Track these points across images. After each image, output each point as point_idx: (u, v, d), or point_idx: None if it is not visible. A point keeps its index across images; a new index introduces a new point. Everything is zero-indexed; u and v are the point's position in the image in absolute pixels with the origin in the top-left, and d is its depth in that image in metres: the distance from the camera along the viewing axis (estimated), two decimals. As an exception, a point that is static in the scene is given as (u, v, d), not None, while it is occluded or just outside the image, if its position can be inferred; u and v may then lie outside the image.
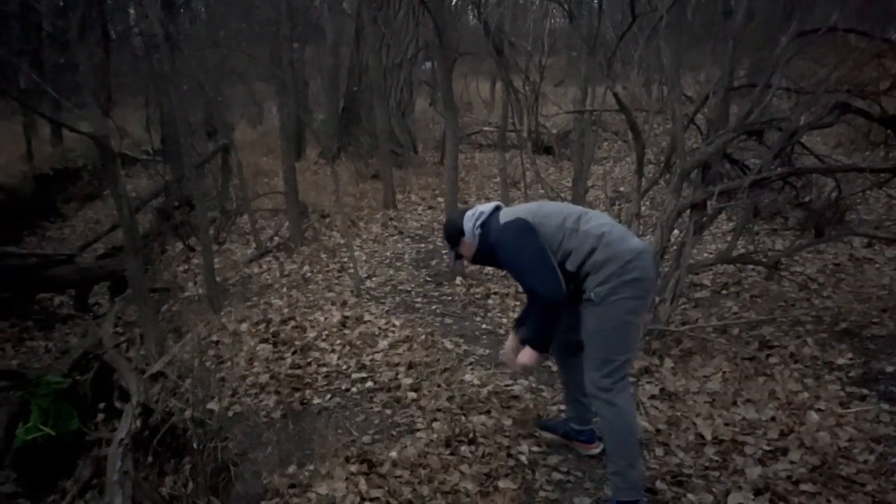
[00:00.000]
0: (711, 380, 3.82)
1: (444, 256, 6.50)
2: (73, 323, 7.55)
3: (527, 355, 2.84)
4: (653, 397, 3.69)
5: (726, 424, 3.36)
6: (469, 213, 3.00)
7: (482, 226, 2.95)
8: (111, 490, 3.51)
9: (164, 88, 8.53)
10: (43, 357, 6.87)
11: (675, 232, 4.62)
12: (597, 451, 3.21)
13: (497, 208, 3.00)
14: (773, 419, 3.38)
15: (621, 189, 8.93)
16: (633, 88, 6.39)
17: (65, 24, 4.43)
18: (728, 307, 4.93)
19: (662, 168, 4.71)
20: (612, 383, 2.73)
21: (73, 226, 11.68)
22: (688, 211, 4.44)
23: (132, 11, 13.67)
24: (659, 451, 3.21)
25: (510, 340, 3.04)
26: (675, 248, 4.51)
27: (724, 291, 5.28)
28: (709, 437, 3.27)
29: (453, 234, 3.02)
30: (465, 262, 3.11)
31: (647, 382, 3.86)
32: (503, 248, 2.83)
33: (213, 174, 9.35)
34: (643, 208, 4.92)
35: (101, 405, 5.08)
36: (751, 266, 5.35)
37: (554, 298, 2.68)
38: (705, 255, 6.03)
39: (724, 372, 3.89)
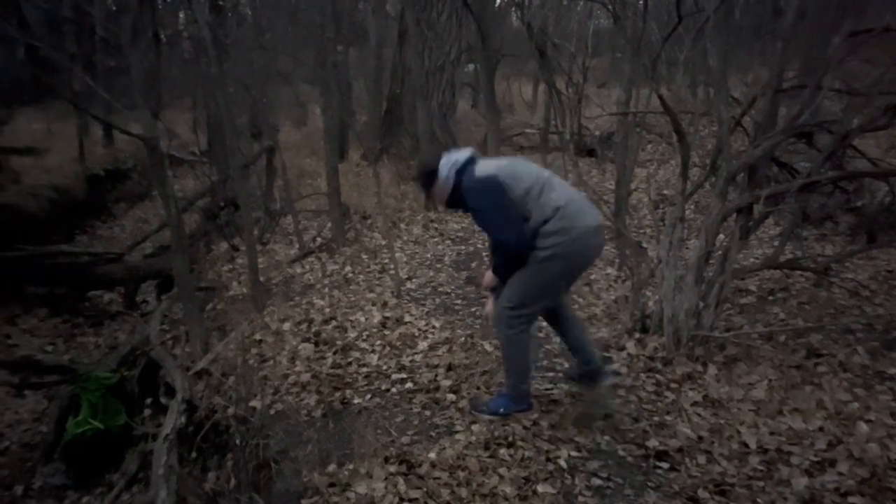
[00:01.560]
0: (756, 387, 3.74)
1: (482, 259, 6.50)
2: (121, 320, 7.74)
3: (489, 278, 3.39)
4: (695, 404, 3.64)
5: (772, 433, 3.29)
6: (445, 158, 3.29)
7: (457, 173, 3.24)
8: (156, 484, 3.59)
9: (211, 91, 8.70)
10: (93, 352, 7.06)
11: (720, 236, 4.54)
12: (612, 380, 3.68)
13: (472, 158, 3.28)
14: (820, 429, 3.29)
15: (665, 192, 8.80)
16: (678, 90, 6.30)
17: (117, 28, 4.54)
18: (774, 314, 4.83)
19: (708, 171, 4.63)
20: (520, 322, 3.26)
21: (123, 225, 11.97)
22: (733, 215, 4.36)
23: (181, 15, 13.96)
24: (701, 459, 3.16)
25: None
26: (719, 252, 4.43)
27: (770, 297, 5.17)
28: (753, 445, 3.20)
29: (428, 176, 3.32)
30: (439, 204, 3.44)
31: (690, 389, 3.80)
32: (476, 199, 3.18)
33: (258, 175, 9.49)
34: (687, 212, 4.85)
35: (148, 401, 5.21)
36: (799, 272, 5.23)
37: (518, 247, 3.14)
38: (751, 260, 5.91)
39: (770, 380, 3.80)
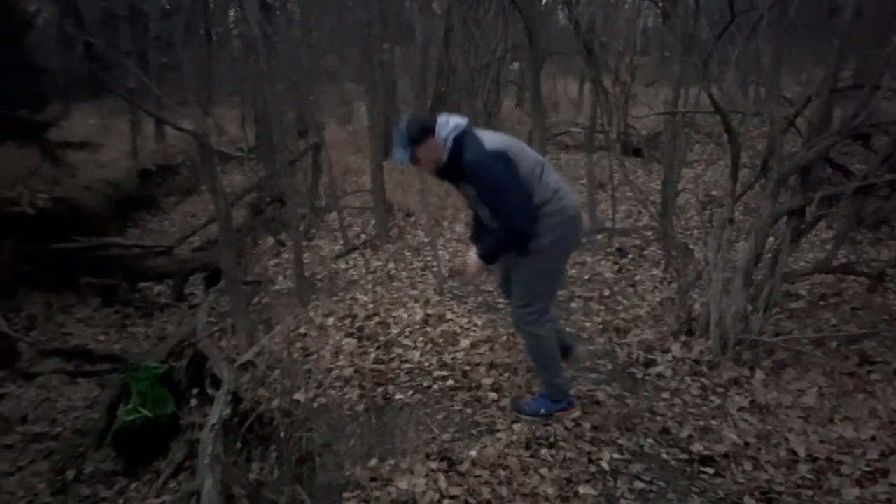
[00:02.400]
0: (806, 394, 3.65)
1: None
2: (170, 311, 7.92)
3: (474, 262, 3.19)
4: (742, 409, 3.57)
5: (821, 442, 3.21)
6: (442, 119, 3.02)
7: (457, 139, 2.97)
8: (202, 473, 3.66)
9: (259, 88, 8.84)
10: (142, 343, 7.24)
11: (770, 239, 4.44)
12: (576, 415, 3.48)
13: (467, 127, 3.02)
14: (873, 438, 3.20)
15: (713, 193, 8.64)
16: (728, 90, 6.18)
17: (170, 26, 4.66)
18: (826, 319, 4.70)
19: (759, 172, 4.53)
20: (537, 318, 3.21)
21: (172, 219, 12.25)
22: (785, 217, 4.26)
23: (232, 14, 14.22)
24: (747, 466, 3.10)
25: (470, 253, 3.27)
26: (769, 255, 4.33)
27: (821, 302, 5.03)
28: (802, 453, 3.13)
29: (420, 131, 2.98)
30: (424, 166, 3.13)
31: (737, 393, 3.73)
32: (488, 172, 2.94)
33: (304, 172, 9.61)
34: (736, 213, 4.76)
35: (194, 391, 5.32)
36: (852, 277, 5.08)
37: (526, 232, 2.99)
38: (802, 263, 5.76)
39: (821, 387, 3.71)
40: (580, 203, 3.22)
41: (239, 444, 4.20)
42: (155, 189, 12.99)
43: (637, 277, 5.87)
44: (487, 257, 3.16)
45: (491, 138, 3.05)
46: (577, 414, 3.45)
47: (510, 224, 3.00)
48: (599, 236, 6.96)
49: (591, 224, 7.37)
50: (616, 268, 6.13)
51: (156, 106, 10.09)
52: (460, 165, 2.97)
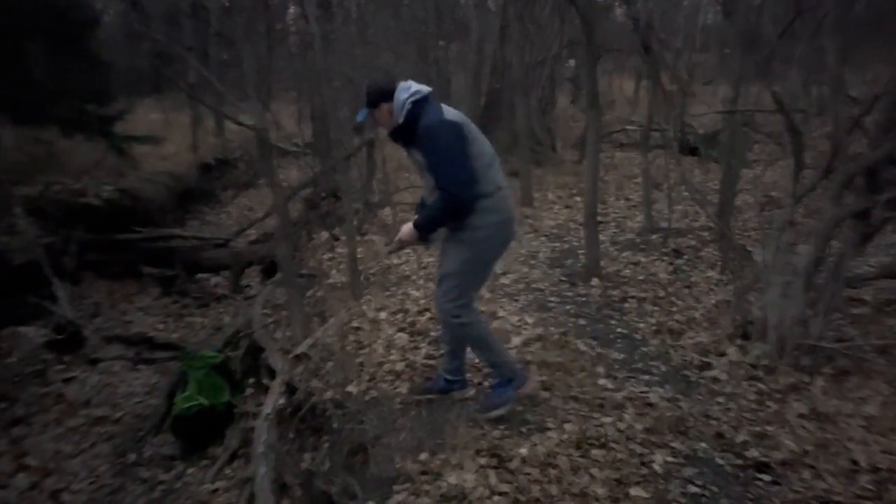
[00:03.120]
0: (868, 403, 3.54)
1: (577, 256, 6.43)
2: (226, 302, 8.12)
3: (407, 231, 3.18)
4: (801, 416, 3.48)
5: (884, 452, 3.11)
6: (402, 84, 3.10)
7: (415, 103, 3.04)
8: (257, 461, 3.76)
9: (316, 84, 8.95)
10: (199, 332, 7.44)
11: (833, 242, 4.31)
12: (470, 394, 3.67)
13: (432, 96, 3.09)
14: (938, 450, 3.09)
15: (772, 194, 8.42)
16: (791, 88, 6.02)
17: (232, 22, 4.78)
18: (890, 326, 4.54)
19: (822, 173, 4.40)
20: (464, 311, 3.28)
21: (229, 212, 12.53)
22: (848, 220, 4.13)
23: (290, 10, 14.44)
24: (805, 474, 3.03)
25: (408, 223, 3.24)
26: (831, 259, 4.21)
27: (887, 309, 4.87)
28: (863, 463, 3.04)
29: (377, 94, 3.10)
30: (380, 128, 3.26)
31: (795, 400, 3.64)
32: (436, 137, 2.98)
33: (359, 167, 9.71)
34: (797, 215, 4.64)
35: (249, 381, 5.45)
36: (919, 283, 4.91)
37: (466, 202, 3.01)
38: (866, 268, 5.58)
39: (884, 395, 3.59)
40: (514, 209, 3.33)
41: (292, 434, 4.29)
42: (213, 182, 13.30)
43: (692, 279, 5.78)
44: (423, 227, 3.16)
45: (451, 112, 3.11)
46: (535, 382, 3.58)
47: (451, 192, 3.00)
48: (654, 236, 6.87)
49: (645, 223, 7.28)
50: (671, 268, 6.04)
51: (216, 101, 10.33)
52: (414, 129, 3.03)
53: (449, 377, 3.70)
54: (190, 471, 5.06)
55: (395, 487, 3.03)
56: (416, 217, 3.22)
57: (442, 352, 3.85)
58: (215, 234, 9.55)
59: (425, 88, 3.11)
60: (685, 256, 6.34)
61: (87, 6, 9.60)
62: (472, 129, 3.11)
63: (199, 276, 8.75)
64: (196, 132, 13.34)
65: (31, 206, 7.65)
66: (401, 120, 3.09)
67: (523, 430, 3.43)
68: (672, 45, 6.84)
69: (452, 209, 3.05)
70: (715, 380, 3.97)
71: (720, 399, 3.74)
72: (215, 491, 4.56)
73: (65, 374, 6.24)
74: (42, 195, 8.06)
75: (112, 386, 6.25)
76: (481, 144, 3.12)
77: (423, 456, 3.21)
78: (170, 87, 16.30)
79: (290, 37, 12.67)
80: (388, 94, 3.09)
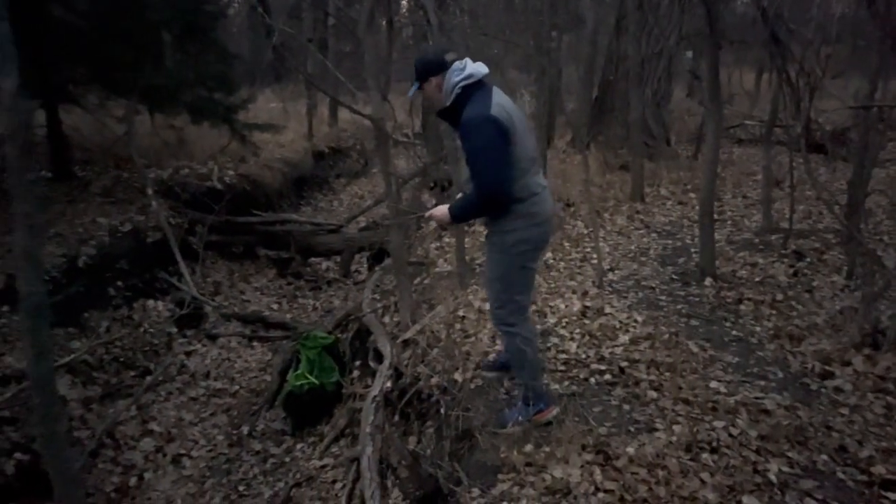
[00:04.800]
0: None
1: (690, 254, 6.23)
2: (337, 286, 8.39)
3: (441, 213, 3.08)
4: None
5: None
6: (458, 63, 2.93)
7: (465, 87, 2.90)
8: (364, 440, 3.88)
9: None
10: (311, 314, 7.74)
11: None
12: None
13: (486, 79, 2.95)
14: None
15: (908, 196, 7.86)
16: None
17: (353, 15, 4.91)
18: None
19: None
20: (515, 319, 3.20)
21: (341, 199, 12.91)
22: None
23: (403, 2, 14.68)
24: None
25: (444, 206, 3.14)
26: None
27: None
28: None
29: (426, 68, 2.97)
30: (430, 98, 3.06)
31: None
32: (478, 132, 2.83)
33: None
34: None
35: (357, 363, 5.62)
36: None
37: (500, 201, 2.92)
38: None
39: None
40: (552, 210, 3.18)
41: (397, 417, 4.40)
42: (327, 170, 13.74)
43: (815, 283, 5.47)
44: (457, 216, 3.08)
45: (502, 104, 2.91)
46: (555, 412, 3.42)
47: (485, 191, 2.88)
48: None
49: (764, 223, 6.96)
50: (791, 271, 5.74)
51: (333, 90, 10.66)
52: (459, 116, 2.91)
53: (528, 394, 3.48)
54: (299, 446, 5.29)
55: (500, 477, 3.05)
56: (452, 204, 3.12)
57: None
58: (328, 220, 9.87)
59: (480, 71, 2.95)
60: (807, 259, 6.01)
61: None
62: (519, 128, 2.95)
63: (312, 259, 9.09)
64: (311, 121, 13.80)
65: (161, 188, 8.17)
66: (448, 103, 2.98)
67: (631, 429, 3.38)
68: (802, 35, 6.46)
69: (486, 206, 2.98)
70: (838, 390, 3.76)
71: (843, 410, 3.54)
72: (323, 467, 4.75)
73: (187, 348, 6.64)
74: (171, 178, 8.58)
75: (229, 361, 6.61)
76: (523, 147, 2.96)
77: (528, 447, 3.21)
78: (288, 77, 16.96)
79: (404, 28, 12.88)
80: (437, 67, 2.95)
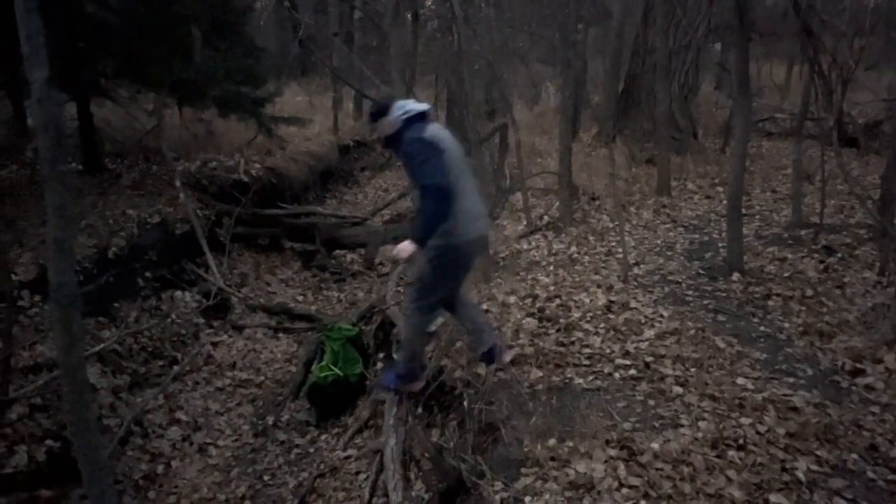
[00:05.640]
0: None
1: (720, 248, 6.16)
2: (361, 279, 8.43)
3: (406, 246, 3.37)
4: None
5: None
6: (399, 103, 3.60)
7: (406, 120, 3.50)
8: (387, 432, 3.90)
9: (455, 68, 9.05)
10: (335, 306, 7.78)
11: None
12: (509, 358, 3.97)
13: (425, 114, 3.56)
14: None
15: (943, 191, 7.68)
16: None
17: (379, 9, 4.92)
18: None
19: None
20: (418, 312, 3.71)
21: (365, 192, 12.96)
22: None
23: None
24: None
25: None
26: None
27: None
28: None
29: (377, 112, 3.64)
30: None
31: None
32: (413, 146, 3.39)
33: (492, 152, 9.75)
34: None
35: (381, 355, 5.64)
36: None
37: (447, 193, 3.28)
38: None
39: None
40: (482, 231, 3.64)
41: (420, 410, 4.41)
42: (352, 163, 13.78)
43: (846, 279, 5.38)
44: (418, 234, 3.36)
45: (435, 133, 3.50)
46: (421, 384, 4.02)
47: (431, 187, 3.27)
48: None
49: (794, 217, 6.85)
50: (821, 267, 5.65)
51: (359, 84, 10.68)
52: (400, 139, 3.49)
53: (483, 349, 3.93)
54: (323, 437, 5.33)
55: (523, 470, 3.04)
56: (414, 229, 3.53)
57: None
58: (353, 213, 9.92)
59: (419, 108, 3.59)
60: (838, 254, 5.91)
61: (244, -6, 10.19)
62: (453, 155, 3.48)
63: (337, 252, 9.14)
64: (336, 114, 13.84)
65: (189, 180, 8.26)
66: (392, 131, 3.56)
67: (655, 424, 3.35)
68: (835, 26, 6.33)
69: (437, 207, 3.29)
70: (869, 388, 3.70)
71: (874, 409, 3.48)
72: (346, 458, 4.78)
73: (214, 338, 6.71)
74: (199, 171, 8.67)
75: (255, 352, 6.67)
76: (453, 171, 3.42)
77: (552, 442, 3.20)
78: (314, 70, 17.03)
79: (429, 21, 12.86)
80: (383, 113, 3.59)
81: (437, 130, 3.54)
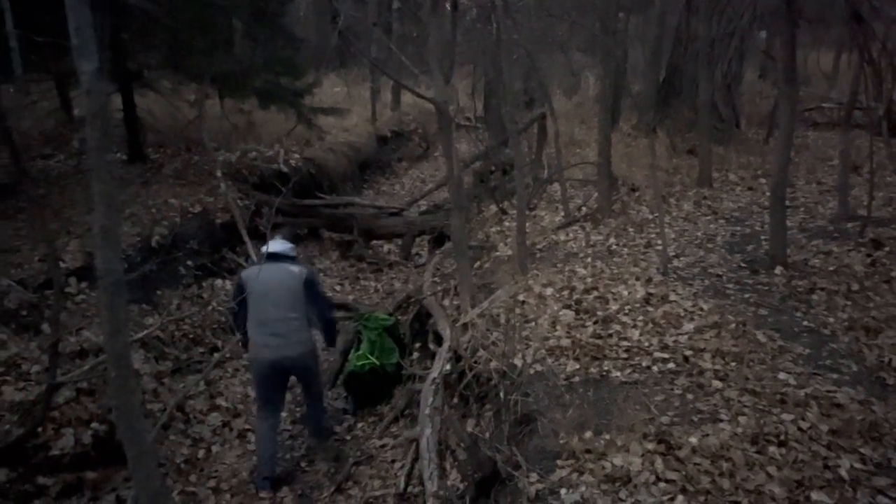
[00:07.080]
0: None
1: (760, 241, 6.05)
2: (397, 269, 8.47)
3: None
4: None
5: None
6: (272, 241, 4.70)
7: (266, 256, 4.61)
8: (423, 422, 3.91)
9: (494, 57, 9.00)
10: (372, 295, 7.83)
11: None
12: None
13: (274, 255, 4.60)
14: None
15: None
16: None
17: (417, -1, 4.92)
18: None
19: None
20: (257, 412, 4.66)
21: (402, 182, 13.00)
22: None
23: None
24: None
25: None
26: None
27: None
28: None
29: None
30: None
31: None
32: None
33: (529, 142, 9.68)
34: None
35: (417, 345, 5.66)
36: None
37: (233, 315, 4.69)
38: None
39: None
40: (270, 356, 4.42)
41: (456, 400, 4.43)
42: (390, 154, 13.83)
43: (893, 273, 5.23)
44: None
45: (250, 272, 4.52)
46: (264, 494, 4.38)
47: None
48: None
49: (840, 210, 6.67)
50: (869, 261, 5.50)
51: (397, 74, 10.69)
52: None
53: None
54: (360, 425, 5.37)
55: (559, 462, 3.04)
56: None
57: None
58: (390, 204, 9.96)
59: (270, 248, 4.59)
60: (886, 248, 5.75)
61: (282, -15, 10.25)
62: (257, 294, 4.40)
63: (374, 242, 9.19)
64: (374, 105, 13.89)
65: (230, 170, 8.38)
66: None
67: (694, 419, 3.31)
68: (886, 13, 6.14)
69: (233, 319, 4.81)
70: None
71: (926, 408, 3.39)
72: (382, 446, 4.82)
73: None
74: (240, 161, 8.78)
75: (293, 340, 6.72)
76: (258, 302, 4.43)
77: (588, 434, 3.18)
78: (353, 61, 17.09)
79: (468, 11, 12.80)
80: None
81: (252, 272, 4.46)
